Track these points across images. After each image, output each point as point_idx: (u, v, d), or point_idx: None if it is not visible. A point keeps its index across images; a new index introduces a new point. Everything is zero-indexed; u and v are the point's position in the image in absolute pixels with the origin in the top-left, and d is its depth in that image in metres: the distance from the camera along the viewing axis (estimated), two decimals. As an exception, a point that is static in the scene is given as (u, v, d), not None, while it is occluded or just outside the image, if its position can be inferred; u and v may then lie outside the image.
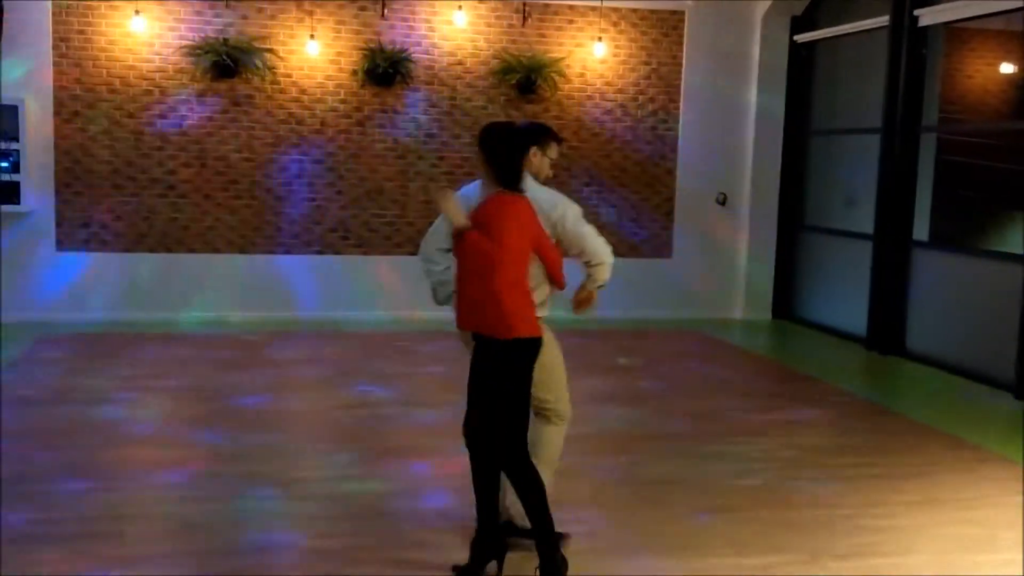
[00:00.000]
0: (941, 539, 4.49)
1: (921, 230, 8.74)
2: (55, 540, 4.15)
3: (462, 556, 3.89)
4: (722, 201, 10.36)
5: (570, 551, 3.92)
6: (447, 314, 4.05)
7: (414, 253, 9.53)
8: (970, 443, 6.04)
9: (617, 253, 9.77)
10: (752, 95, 10.22)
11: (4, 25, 8.35)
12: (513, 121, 4.03)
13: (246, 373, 7.30)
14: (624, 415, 6.61)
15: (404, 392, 6.95)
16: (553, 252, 3.96)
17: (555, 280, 3.99)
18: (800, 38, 10.11)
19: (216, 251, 9.34)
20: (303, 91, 9.30)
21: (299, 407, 6.49)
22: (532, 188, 3.93)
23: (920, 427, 6.42)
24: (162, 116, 9.06)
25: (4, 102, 8.44)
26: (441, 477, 5.05)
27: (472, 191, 4.05)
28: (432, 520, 4.51)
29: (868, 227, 8.98)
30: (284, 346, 8.28)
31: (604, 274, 4.14)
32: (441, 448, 5.38)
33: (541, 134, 4.12)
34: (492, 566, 3.88)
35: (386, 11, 9.33)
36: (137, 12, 8.73)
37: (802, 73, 10.28)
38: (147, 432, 5.84)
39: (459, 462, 4.13)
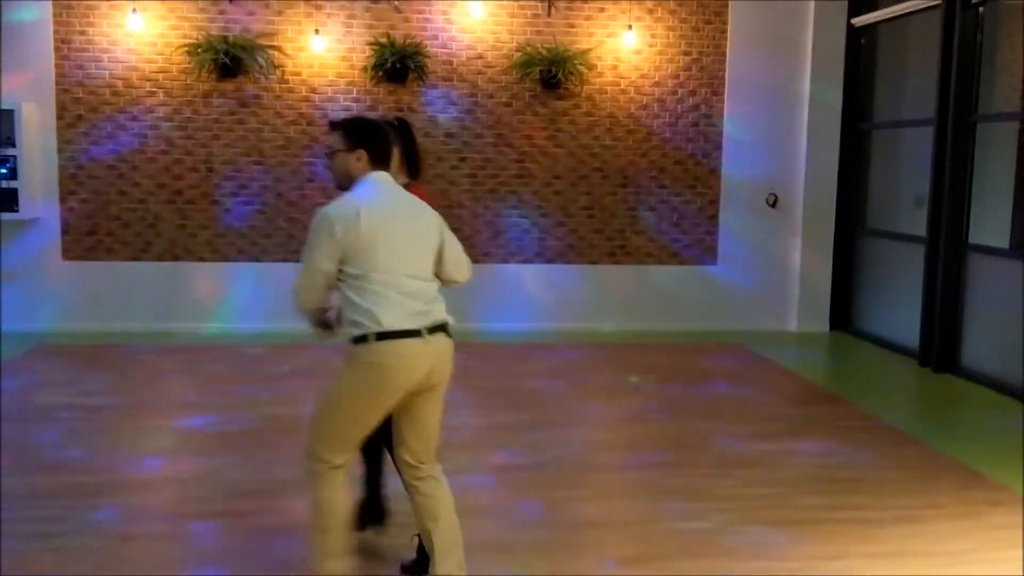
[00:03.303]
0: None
1: (996, 234, 7.67)
2: None
3: None
4: (772, 202, 9.43)
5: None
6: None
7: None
8: (992, 481, 5.10)
9: (658, 260, 9.37)
10: (805, 85, 9.27)
11: (2, 26, 8.12)
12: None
13: (241, 386, 6.81)
14: (594, 441, 5.87)
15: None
16: None
17: None
18: (858, 21, 9.12)
19: (226, 260, 8.92)
20: (313, 90, 8.81)
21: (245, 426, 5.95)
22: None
23: (940, 460, 5.48)
24: (166, 119, 8.70)
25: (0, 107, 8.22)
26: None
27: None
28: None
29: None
30: (286, 359, 7.78)
31: None
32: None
33: None
34: None
35: (399, 3, 8.77)
36: (135, 10, 8.40)
37: (861, 60, 9.29)
38: (66, 456, 5.36)
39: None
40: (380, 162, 3.47)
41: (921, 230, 8.24)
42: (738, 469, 5.26)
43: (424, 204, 3.55)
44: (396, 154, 3.76)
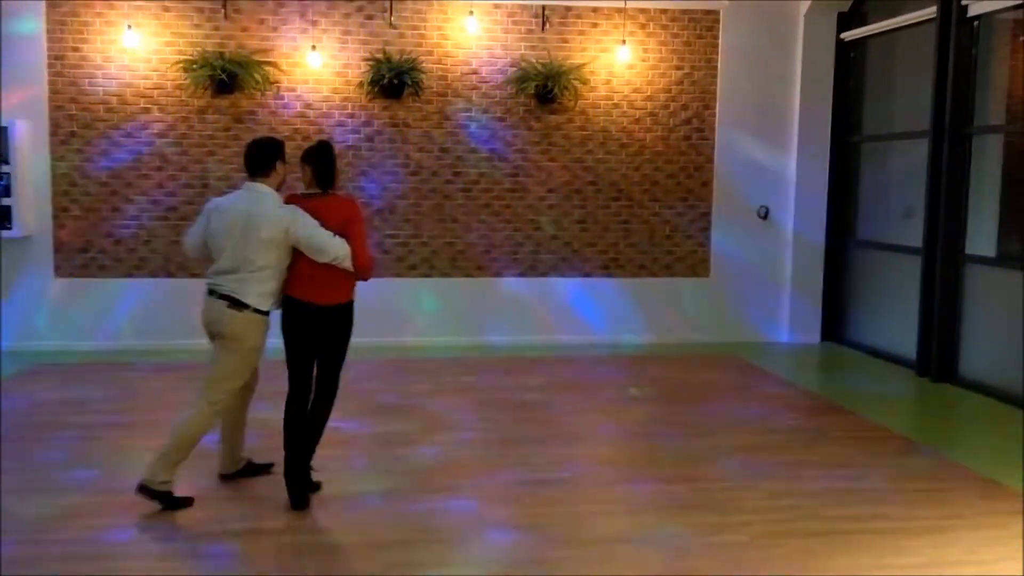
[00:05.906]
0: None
1: (986, 245, 7.80)
2: None
3: None
4: (764, 215, 9.53)
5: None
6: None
7: (428, 275, 9.09)
8: (1011, 489, 5.19)
9: (651, 273, 9.44)
10: (795, 99, 9.39)
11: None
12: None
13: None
14: (605, 457, 5.88)
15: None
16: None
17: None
18: (847, 35, 9.26)
19: (221, 275, 8.86)
20: (308, 105, 8.82)
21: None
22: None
23: (955, 470, 5.57)
24: (161, 135, 8.67)
25: (-7, 124, 8.16)
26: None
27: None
28: None
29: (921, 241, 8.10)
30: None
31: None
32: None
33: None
34: None
35: (395, 19, 8.80)
36: (130, 27, 8.37)
37: (850, 74, 9.42)
38: (71, 477, 5.32)
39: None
40: (255, 173, 4.79)
41: (911, 240, 8.37)
42: (760, 481, 5.29)
43: (260, 211, 4.65)
44: (308, 170, 4.78)
